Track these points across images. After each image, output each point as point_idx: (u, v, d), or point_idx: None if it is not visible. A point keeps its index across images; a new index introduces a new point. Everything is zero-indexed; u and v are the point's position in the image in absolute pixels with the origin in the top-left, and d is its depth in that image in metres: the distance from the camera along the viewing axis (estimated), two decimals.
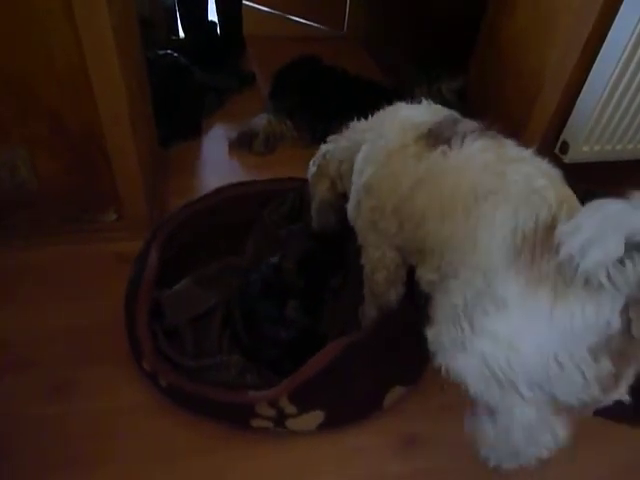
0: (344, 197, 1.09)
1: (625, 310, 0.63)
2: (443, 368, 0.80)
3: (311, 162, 1.20)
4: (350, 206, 1.03)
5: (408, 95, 1.15)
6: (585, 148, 1.43)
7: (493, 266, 0.71)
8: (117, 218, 1.38)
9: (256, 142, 1.81)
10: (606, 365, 0.66)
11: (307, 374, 0.95)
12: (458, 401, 1.08)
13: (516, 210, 0.71)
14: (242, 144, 1.82)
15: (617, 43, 1.24)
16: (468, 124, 0.88)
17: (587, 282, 0.62)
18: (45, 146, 1.20)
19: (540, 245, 0.68)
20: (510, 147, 0.83)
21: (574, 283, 0.63)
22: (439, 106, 1.00)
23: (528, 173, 0.76)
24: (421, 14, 2.15)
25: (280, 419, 0.96)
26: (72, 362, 1.09)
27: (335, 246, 1.25)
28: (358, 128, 1.08)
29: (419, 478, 0.99)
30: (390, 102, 1.05)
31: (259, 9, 2.62)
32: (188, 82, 1.88)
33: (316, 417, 0.97)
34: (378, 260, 0.99)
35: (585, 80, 1.33)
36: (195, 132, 1.88)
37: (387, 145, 0.92)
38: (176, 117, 1.80)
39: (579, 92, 1.36)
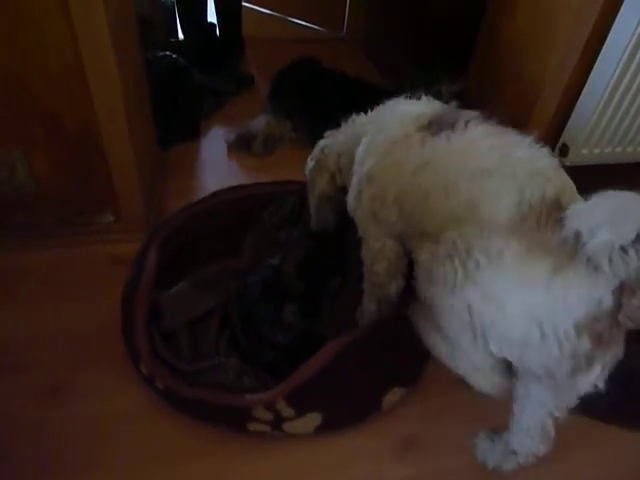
0: (343, 190, 1.09)
1: (617, 293, 0.64)
2: (427, 300, 0.81)
3: (309, 158, 1.19)
4: (350, 197, 1.03)
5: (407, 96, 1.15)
6: (585, 151, 1.42)
7: (496, 226, 0.72)
8: (114, 220, 1.37)
9: (255, 143, 1.81)
10: (585, 344, 0.67)
11: (304, 375, 0.95)
12: (457, 403, 1.08)
13: (522, 186, 0.73)
14: (241, 145, 1.82)
15: (617, 44, 1.23)
16: (469, 113, 0.89)
17: (588, 262, 0.63)
18: (42, 147, 1.20)
19: (546, 215, 0.69)
20: (512, 133, 0.85)
21: (575, 260, 0.64)
22: (438, 102, 1.00)
23: (532, 155, 0.78)
24: (421, 15, 2.14)
25: (277, 422, 0.95)
26: (70, 364, 1.09)
27: (334, 246, 1.25)
28: (357, 122, 1.08)
29: None
30: None
31: (258, 11, 2.62)
32: (187, 83, 1.88)
33: (314, 419, 0.97)
34: (378, 251, 0.99)
35: (585, 82, 1.33)
36: (194, 134, 1.88)
37: (389, 136, 0.92)
38: (175, 118, 1.79)
39: (579, 94, 1.35)
